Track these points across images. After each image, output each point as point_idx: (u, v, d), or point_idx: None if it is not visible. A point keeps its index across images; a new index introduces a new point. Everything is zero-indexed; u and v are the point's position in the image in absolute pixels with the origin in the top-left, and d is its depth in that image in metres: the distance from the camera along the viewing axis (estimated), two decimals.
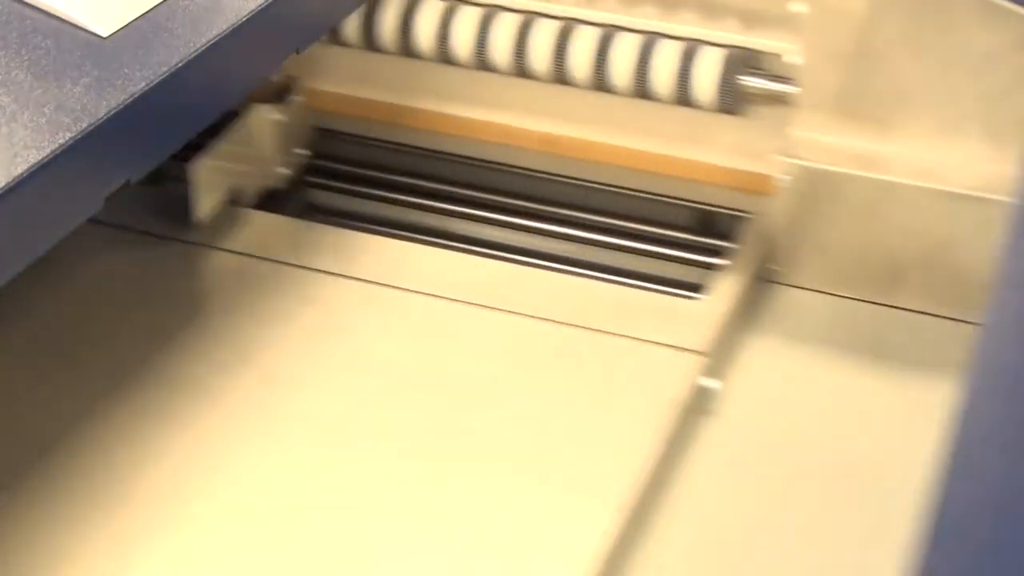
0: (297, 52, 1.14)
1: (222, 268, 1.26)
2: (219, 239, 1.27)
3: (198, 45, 1.00)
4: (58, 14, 1.00)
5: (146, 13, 1.02)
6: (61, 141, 0.89)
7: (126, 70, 0.96)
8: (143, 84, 0.95)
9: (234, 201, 1.30)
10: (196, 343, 1.18)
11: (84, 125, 0.91)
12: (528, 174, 1.41)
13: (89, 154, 0.91)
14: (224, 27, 1.02)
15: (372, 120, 1.41)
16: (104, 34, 0.99)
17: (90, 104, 0.92)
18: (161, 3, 1.03)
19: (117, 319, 1.21)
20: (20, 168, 0.86)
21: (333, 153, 1.42)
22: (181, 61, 0.98)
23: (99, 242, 1.26)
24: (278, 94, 1.25)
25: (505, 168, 1.41)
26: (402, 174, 1.42)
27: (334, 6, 1.23)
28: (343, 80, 1.40)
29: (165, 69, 0.97)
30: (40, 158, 0.87)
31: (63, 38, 0.99)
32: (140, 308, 1.23)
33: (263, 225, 1.31)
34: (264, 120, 1.27)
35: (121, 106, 0.93)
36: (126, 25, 1.01)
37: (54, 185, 0.89)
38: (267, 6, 1.06)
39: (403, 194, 1.42)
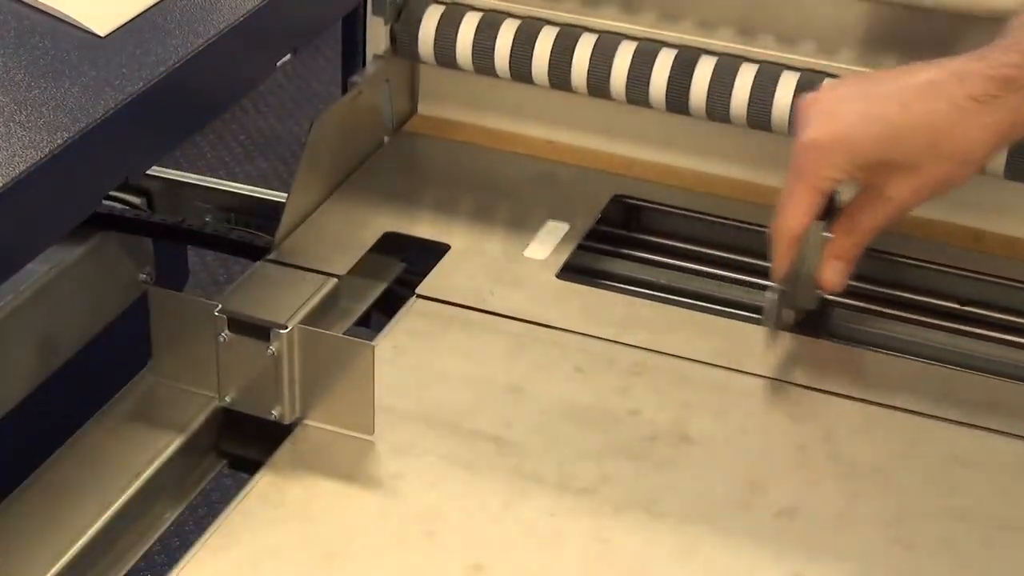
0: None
1: (816, 409, 1.09)
2: (788, 372, 1.12)
3: (195, 45, 1.00)
4: (56, 14, 1.00)
5: (143, 13, 1.02)
6: (59, 141, 0.89)
7: (124, 70, 0.96)
8: (141, 84, 0.95)
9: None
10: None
11: (82, 125, 0.91)
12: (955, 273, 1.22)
13: (87, 154, 0.91)
14: (221, 26, 1.02)
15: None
16: (102, 34, 0.99)
17: (88, 104, 0.92)
18: (158, 3, 1.03)
19: None
20: (18, 168, 0.86)
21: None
22: (179, 61, 0.98)
23: None
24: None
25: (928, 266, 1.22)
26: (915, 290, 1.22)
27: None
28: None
29: (163, 69, 0.97)
30: (38, 158, 0.87)
31: (61, 38, 0.99)
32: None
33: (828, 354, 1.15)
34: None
35: (119, 106, 0.93)
36: (123, 25, 1.01)
37: (52, 185, 0.89)
38: (264, 6, 1.06)
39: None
